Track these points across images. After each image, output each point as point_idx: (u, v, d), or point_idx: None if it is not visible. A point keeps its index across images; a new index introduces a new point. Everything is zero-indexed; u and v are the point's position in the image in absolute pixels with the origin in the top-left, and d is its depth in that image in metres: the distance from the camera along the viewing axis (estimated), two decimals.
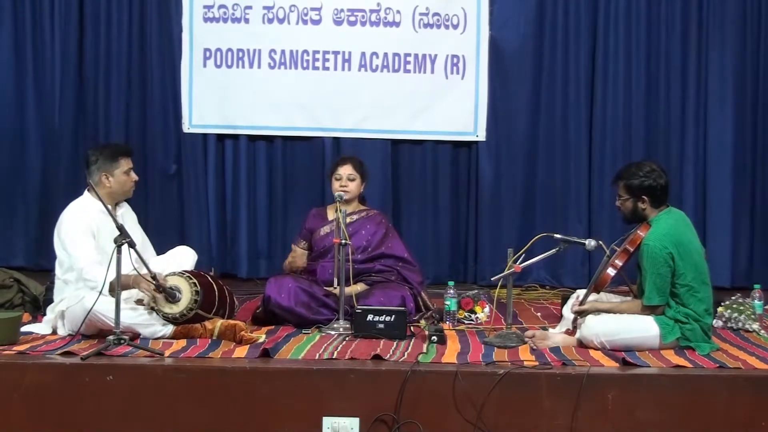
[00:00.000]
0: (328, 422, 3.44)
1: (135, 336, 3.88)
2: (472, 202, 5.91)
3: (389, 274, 4.63)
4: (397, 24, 5.79)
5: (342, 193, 4.55)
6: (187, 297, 3.95)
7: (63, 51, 5.84)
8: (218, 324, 3.98)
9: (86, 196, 4.18)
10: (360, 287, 4.52)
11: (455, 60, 5.80)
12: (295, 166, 5.94)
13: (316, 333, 4.18)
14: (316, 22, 5.79)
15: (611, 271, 4.01)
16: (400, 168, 5.92)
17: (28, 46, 5.86)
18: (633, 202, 4.01)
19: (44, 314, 4.26)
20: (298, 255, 4.77)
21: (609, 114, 5.80)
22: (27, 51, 5.86)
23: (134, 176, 4.25)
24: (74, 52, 5.83)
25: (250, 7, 5.77)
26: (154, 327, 3.95)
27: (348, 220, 4.56)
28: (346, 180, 4.67)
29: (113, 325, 3.67)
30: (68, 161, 5.83)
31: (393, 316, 4.08)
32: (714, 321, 4.22)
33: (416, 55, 5.79)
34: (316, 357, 3.69)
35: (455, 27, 5.80)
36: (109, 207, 4.02)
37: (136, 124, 5.88)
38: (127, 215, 4.31)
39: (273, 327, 4.29)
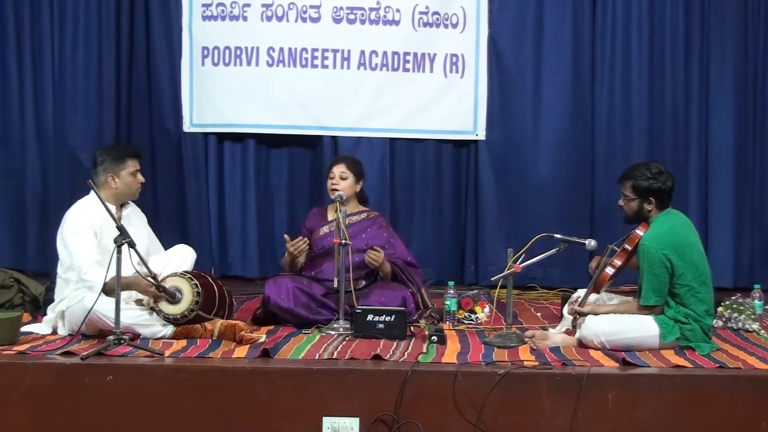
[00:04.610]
0: (328, 422, 3.44)
1: (135, 336, 3.88)
2: (471, 202, 5.90)
3: (395, 263, 4.62)
4: (397, 23, 5.78)
5: (337, 192, 4.53)
6: (189, 298, 3.95)
7: (61, 50, 5.83)
8: (218, 324, 3.98)
9: (92, 196, 4.16)
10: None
11: (454, 59, 5.79)
12: (294, 164, 5.93)
13: (316, 333, 4.18)
14: (315, 20, 5.77)
15: (610, 270, 4.01)
16: (399, 167, 5.91)
17: (26, 47, 5.84)
18: (639, 203, 4.01)
19: (44, 314, 4.27)
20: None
21: (610, 113, 5.79)
22: (26, 51, 5.84)
23: (141, 178, 4.25)
24: (72, 51, 5.82)
25: (248, 5, 5.75)
26: (154, 327, 3.95)
27: (348, 221, 4.55)
28: (338, 179, 4.66)
29: (113, 325, 3.67)
30: (67, 161, 5.81)
31: (393, 316, 4.09)
32: (714, 321, 4.22)
33: (415, 54, 5.78)
34: (316, 357, 3.69)
35: (455, 26, 5.79)
36: (112, 207, 4.01)
37: (136, 124, 5.87)
38: (134, 215, 4.31)
39: (273, 327, 4.29)
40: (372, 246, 4.63)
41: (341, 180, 4.66)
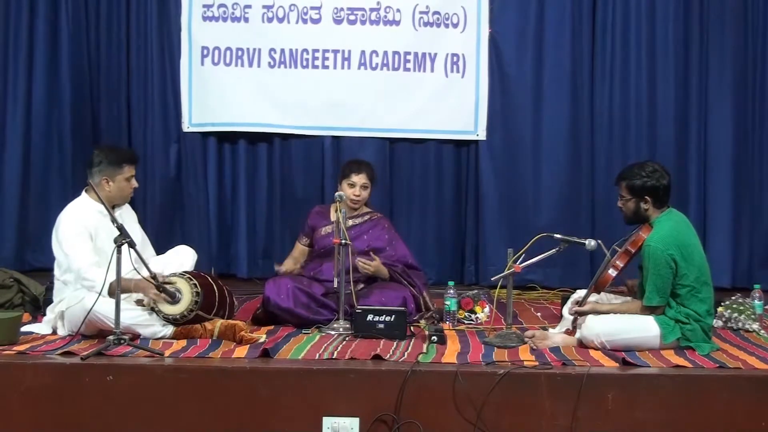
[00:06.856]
0: (328, 422, 3.44)
1: (135, 336, 3.88)
2: (472, 202, 5.89)
3: (394, 268, 4.62)
4: (397, 23, 5.78)
5: (349, 196, 4.54)
6: (188, 298, 3.95)
7: (60, 49, 5.83)
8: (218, 324, 3.98)
9: (84, 197, 4.17)
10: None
11: (455, 59, 5.79)
12: (295, 165, 5.92)
13: (316, 333, 4.18)
14: (316, 21, 5.77)
15: (612, 272, 4.01)
16: (400, 167, 5.91)
17: (28, 42, 5.84)
18: (635, 203, 4.01)
19: (44, 314, 4.26)
20: (297, 253, 4.77)
21: (610, 113, 5.79)
22: (23, 50, 5.85)
23: (135, 183, 4.23)
24: (71, 50, 5.82)
25: (249, 6, 5.75)
26: (154, 327, 3.95)
27: (351, 222, 4.57)
28: (359, 189, 4.65)
29: (113, 325, 3.67)
30: (66, 161, 5.82)
31: (393, 316, 4.09)
32: (714, 321, 4.22)
33: (416, 54, 5.77)
34: (316, 357, 3.69)
35: (455, 26, 5.79)
36: (108, 208, 4.01)
37: (135, 123, 5.87)
38: (126, 214, 4.30)
39: (273, 327, 4.29)
40: (373, 248, 4.63)
41: (363, 190, 4.66)
